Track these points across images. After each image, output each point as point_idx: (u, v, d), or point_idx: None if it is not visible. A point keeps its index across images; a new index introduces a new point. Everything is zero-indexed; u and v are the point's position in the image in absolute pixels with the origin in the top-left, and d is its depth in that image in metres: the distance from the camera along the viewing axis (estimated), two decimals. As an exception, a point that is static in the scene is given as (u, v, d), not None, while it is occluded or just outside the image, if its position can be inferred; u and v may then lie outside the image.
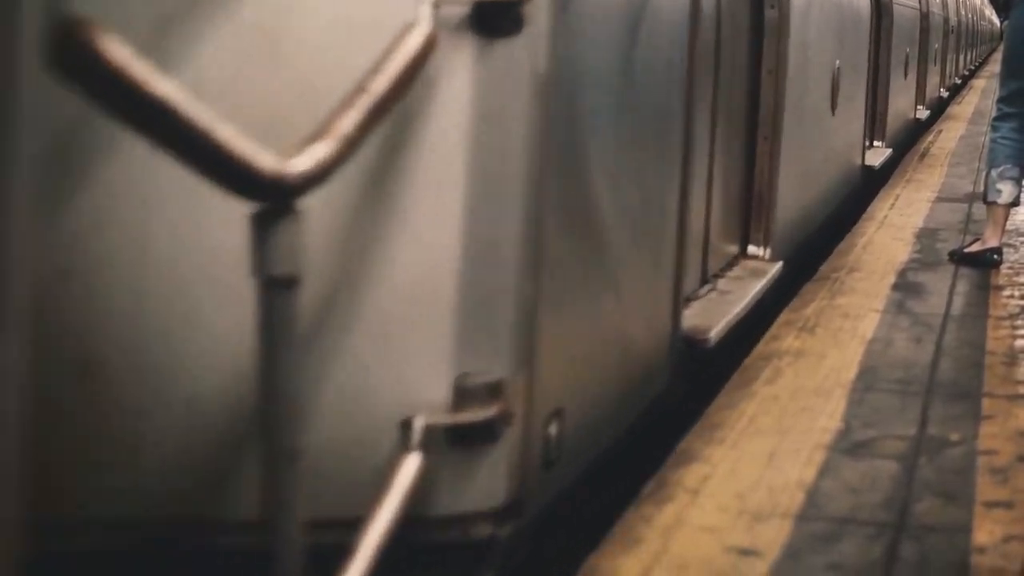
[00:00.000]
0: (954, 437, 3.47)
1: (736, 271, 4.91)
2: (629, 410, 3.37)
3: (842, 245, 6.26)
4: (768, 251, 5.17)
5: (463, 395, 2.43)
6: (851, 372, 4.04)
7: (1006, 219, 5.89)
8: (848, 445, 3.36)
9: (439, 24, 2.31)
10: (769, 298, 4.92)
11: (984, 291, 5.32)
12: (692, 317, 4.09)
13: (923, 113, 12.05)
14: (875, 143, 9.05)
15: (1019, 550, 2.73)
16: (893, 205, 7.49)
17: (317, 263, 2.31)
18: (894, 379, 3.99)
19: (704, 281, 4.58)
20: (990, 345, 4.45)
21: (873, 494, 3.03)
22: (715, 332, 4.04)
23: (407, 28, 2.26)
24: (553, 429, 2.72)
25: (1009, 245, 6.15)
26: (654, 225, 3.52)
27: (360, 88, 2.16)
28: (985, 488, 3.09)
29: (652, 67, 3.36)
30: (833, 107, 6.46)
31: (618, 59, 3.06)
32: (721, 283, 4.69)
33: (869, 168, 8.25)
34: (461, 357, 2.44)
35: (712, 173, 4.55)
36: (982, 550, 2.73)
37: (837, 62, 6.44)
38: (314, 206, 2.12)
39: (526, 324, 2.54)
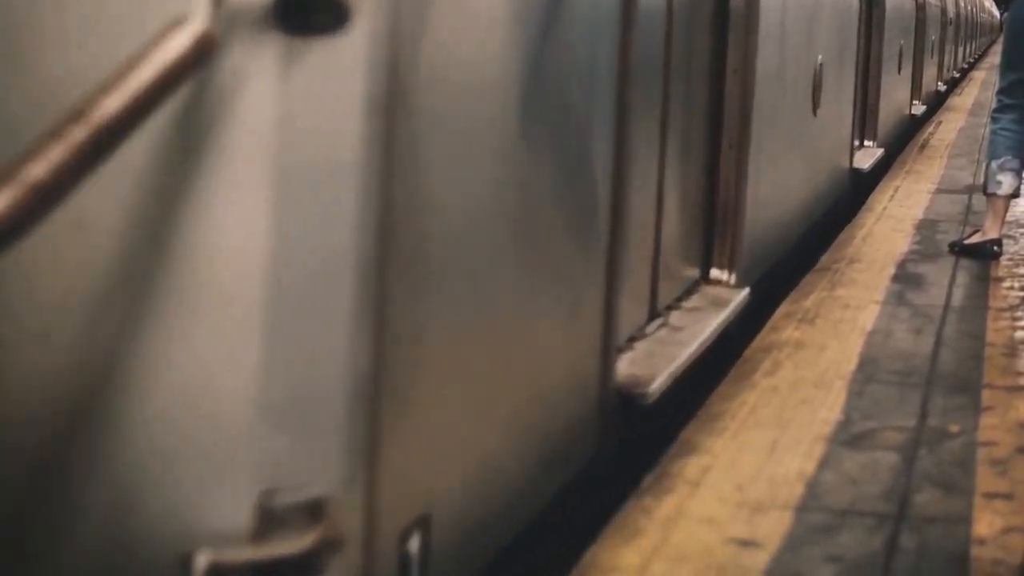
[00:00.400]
0: (954, 428, 3.47)
1: (694, 300, 4.27)
2: (538, 494, 2.75)
3: (842, 236, 6.25)
4: (733, 275, 4.52)
5: (269, 520, 1.83)
6: (851, 364, 4.04)
7: (1006, 210, 5.89)
8: (848, 437, 3.36)
9: (228, 20, 1.79)
10: (735, 328, 4.35)
11: (984, 282, 5.32)
12: (631, 364, 3.49)
13: (919, 109, 11.85)
14: (866, 143, 8.66)
15: (1019, 541, 2.74)
16: (893, 196, 7.49)
17: (56, 341, 1.81)
18: (894, 371, 3.99)
19: (653, 315, 3.96)
20: (990, 336, 4.45)
21: (873, 486, 3.03)
22: (658, 383, 3.38)
23: (171, 26, 1.73)
24: (414, 544, 2.13)
25: (1009, 236, 6.15)
26: (570, 257, 2.89)
27: (76, 114, 1.61)
28: (985, 479, 3.09)
29: (559, 66, 2.76)
30: (815, 107, 5.93)
31: (505, 58, 2.48)
32: (674, 316, 4.05)
33: (858, 171, 7.75)
34: (266, 466, 1.84)
35: (663, 188, 3.95)
36: (982, 541, 2.73)
37: (819, 57, 5.92)
38: (56, 264, 1.73)
39: (363, 412, 1.93)
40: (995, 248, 5.78)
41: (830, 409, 3.59)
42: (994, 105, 6.07)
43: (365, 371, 1.93)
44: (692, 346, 3.75)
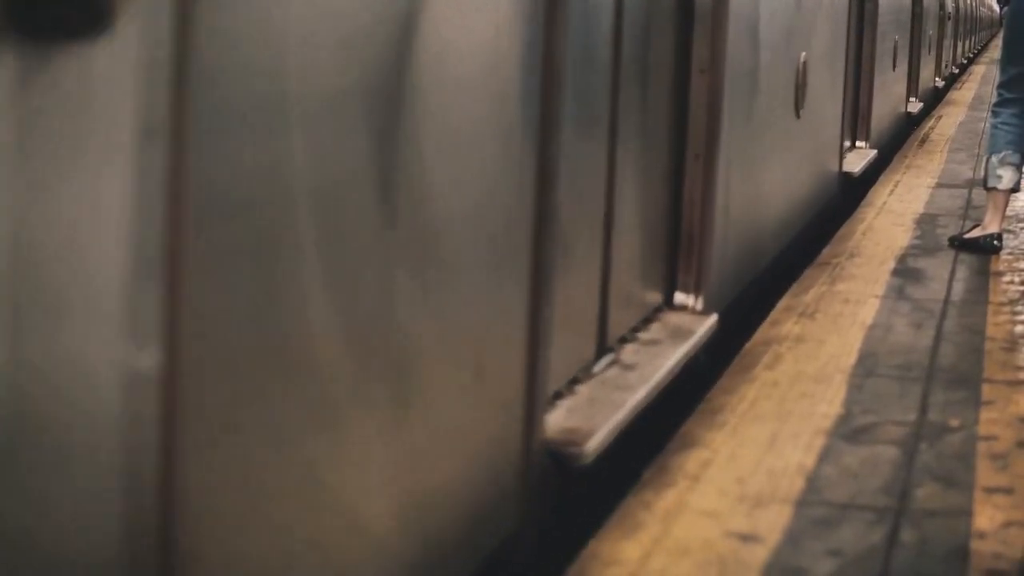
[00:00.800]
0: (954, 423, 3.47)
1: (654, 330, 3.75)
2: None
3: (842, 231, 6.25)
4: (700, 300, 3.99)
5: None
6: (851, 358, 4.04)
7: (1006, 205, 5.90)
8: (848, 431, 3.36)
9: None
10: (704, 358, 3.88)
11: (984, 277, 5.32)
12: (568, 414, 2.99)
13: (915, 106, 11.65)
14: (858, 144, 8.30)
15: (1019, 535, 2.74)
16: (893, 191, 7.49)
17: None
18: (894, 365, 3.99)
19: (602, 350, 3.43)
20: (990, 331, 4.45)
21: (873, 479, 3.03)
22: (597, 439, 2.88)
23: None
24: None
25: (1009, 231, 6.15)
26: (474, 288, 2.39)
27: None
28: (985, 474, 3.10)
29: (444, 71, 2.23)
30: (798, 109, 5.51)
31: (358, 62, 1.94)
32: (627, 351, 3.52)
33: (848, 175, 7.30)
34: None
35: (612, 204, 3.46)
36: (982, 535, 2.73)
37: (803, 54, 5.50)
38: None
39: (150, 508, 1.44)
40: (995, 242, 5.78)
41: (830, 403, 3.59)
42: (994, 99, 6.08)
43: (150, 443, 1.39)
44: (642, 391, 3.24)
